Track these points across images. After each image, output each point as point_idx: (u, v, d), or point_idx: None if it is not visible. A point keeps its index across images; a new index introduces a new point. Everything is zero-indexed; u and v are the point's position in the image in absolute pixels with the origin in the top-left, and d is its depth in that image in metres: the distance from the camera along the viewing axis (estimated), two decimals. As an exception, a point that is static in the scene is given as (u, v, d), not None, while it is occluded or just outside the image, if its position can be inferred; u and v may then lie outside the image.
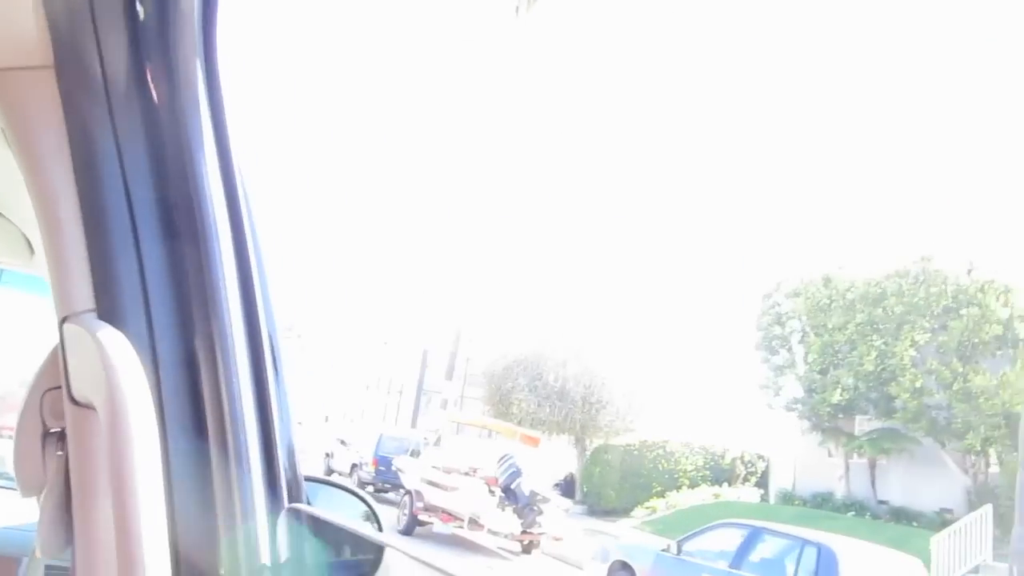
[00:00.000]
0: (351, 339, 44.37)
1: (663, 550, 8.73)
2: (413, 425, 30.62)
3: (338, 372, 44.83)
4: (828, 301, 21.03)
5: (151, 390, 0.83)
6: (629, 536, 13.96)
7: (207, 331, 0.92)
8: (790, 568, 7.43)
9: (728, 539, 8.32)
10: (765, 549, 7.96)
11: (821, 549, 7.16)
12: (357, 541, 1.04)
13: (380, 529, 1.78)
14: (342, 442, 21.11)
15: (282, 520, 0.94)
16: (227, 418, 0.91)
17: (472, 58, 64.53)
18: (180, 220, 0.93)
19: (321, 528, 1.01)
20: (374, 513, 1.78)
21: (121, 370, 0.79)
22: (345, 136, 75.61)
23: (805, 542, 7.50)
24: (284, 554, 0.93)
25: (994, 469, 17.83)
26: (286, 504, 0.95)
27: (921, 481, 19.12)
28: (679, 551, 8.52)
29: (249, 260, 0.97)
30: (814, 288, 21.45)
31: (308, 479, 1.79)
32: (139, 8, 0.91)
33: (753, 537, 8.01)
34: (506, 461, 13.21)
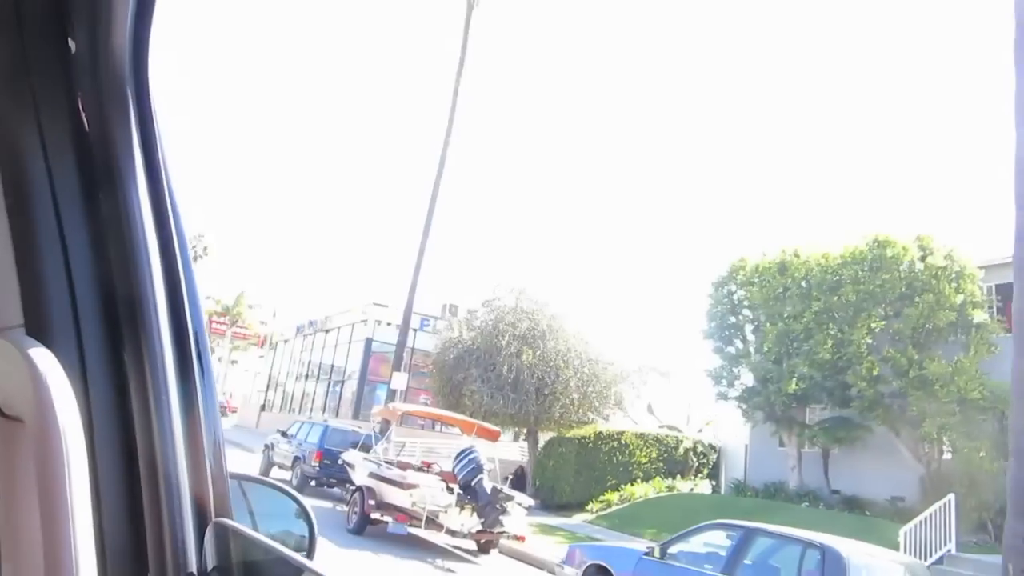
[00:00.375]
0: (292, 325, 42.91)
1: (645, 554, 8.06)
2: (356, 416, 29.58)
3: (279, 361, 43.33)
4: (783, 289, 20.83)
5: (80, 404, 0.84)
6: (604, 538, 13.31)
7: (136, 346, 0.94)
8: (791, 573, 6.87)
9: (718, 541, 7.73)
10: (760, 552, 7.37)
11: (825, 551, 6.59)
12: (280, 559, 1.04)
13: (313, 529, 1.73)
14: (283, 434, 19.96)
15: (209, 532, 0.97)
16: (155, 431, 0.92)
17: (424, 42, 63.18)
18: (109, 239, 0.97)
19: (245, 543, 1.03)
20: (307, 514, 1.76)
21: (49, 387, 0.81)
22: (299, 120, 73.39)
23: (806, 544, 6.91)
24: (211, 564, 0.96)
25: (947, 456, 17.88)
26: (212, 516, 0.98)
27: (873, 470, 19.09)
28: (663, 555, 7.88)
29: (178, 274, 1.01)
30: (769, 276, 21.22)
31: (244, 478, 1.65)
32: (71, 43, 0.97)
33: (745, 539, 7.41)
34: (466, 456, 12.39)
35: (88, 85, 0.96)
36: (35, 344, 0.85)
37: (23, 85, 0.93)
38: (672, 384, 32.27)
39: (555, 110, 70.42)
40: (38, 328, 0.90)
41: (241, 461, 19.73)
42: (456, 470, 12.39)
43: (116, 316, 0.95)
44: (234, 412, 48.22)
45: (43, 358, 0.83)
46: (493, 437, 14.68)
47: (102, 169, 0.97)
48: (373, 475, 12.65)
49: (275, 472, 19.42)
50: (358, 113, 70.72)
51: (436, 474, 13.12)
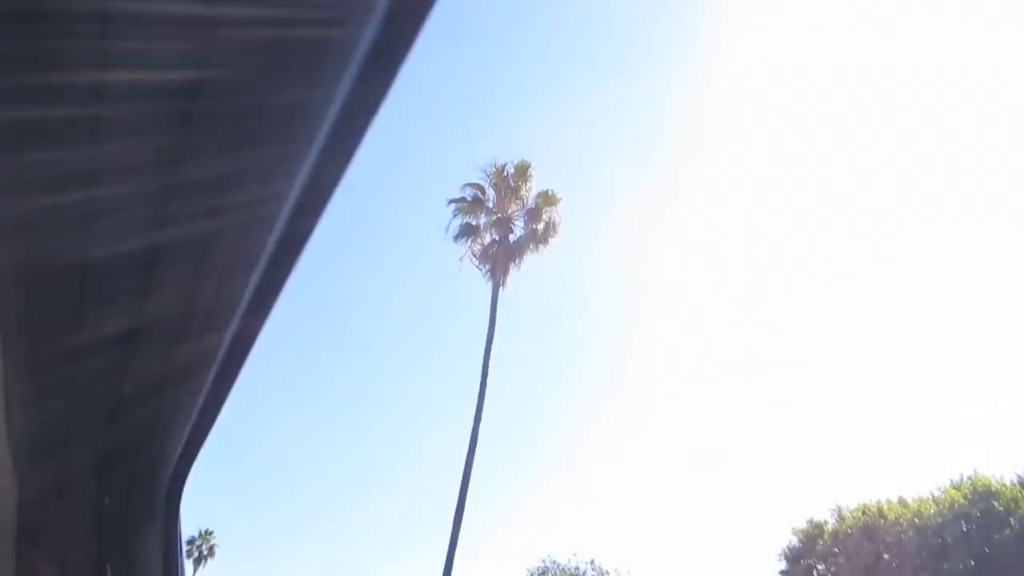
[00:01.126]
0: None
1: None
2: None
3: None
4: (875, 558, 17.89)
5: None
6: None
7: None
8: None
9: None
10: None
11: None
12: None
13: None
14: None
15: None
16: None
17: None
18: None
19: None
20: None
21: None
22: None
23: None
24: None
25: None
26: None
27: None
28: None
29: None
30: (854, 543, 18.38)
31: None
32: (106, 499, 0.96)
33: None
34: None
35: (116, 543, 0.95)
36: None
37: (55, 516, 0.92)
38: None
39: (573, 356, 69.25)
40: None
41: None
42: None
43: None
44: None
45: None
46: None
47: None
48: None
49: None
50: (381, 393, 69.43)
51: None
